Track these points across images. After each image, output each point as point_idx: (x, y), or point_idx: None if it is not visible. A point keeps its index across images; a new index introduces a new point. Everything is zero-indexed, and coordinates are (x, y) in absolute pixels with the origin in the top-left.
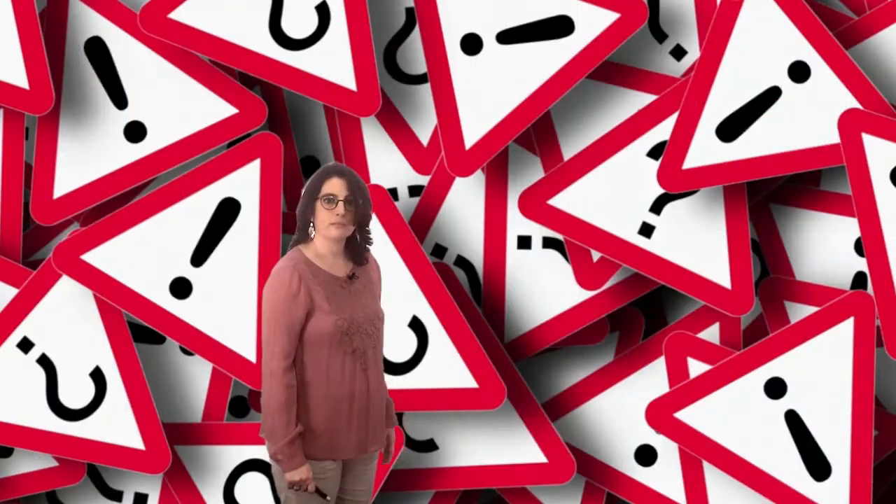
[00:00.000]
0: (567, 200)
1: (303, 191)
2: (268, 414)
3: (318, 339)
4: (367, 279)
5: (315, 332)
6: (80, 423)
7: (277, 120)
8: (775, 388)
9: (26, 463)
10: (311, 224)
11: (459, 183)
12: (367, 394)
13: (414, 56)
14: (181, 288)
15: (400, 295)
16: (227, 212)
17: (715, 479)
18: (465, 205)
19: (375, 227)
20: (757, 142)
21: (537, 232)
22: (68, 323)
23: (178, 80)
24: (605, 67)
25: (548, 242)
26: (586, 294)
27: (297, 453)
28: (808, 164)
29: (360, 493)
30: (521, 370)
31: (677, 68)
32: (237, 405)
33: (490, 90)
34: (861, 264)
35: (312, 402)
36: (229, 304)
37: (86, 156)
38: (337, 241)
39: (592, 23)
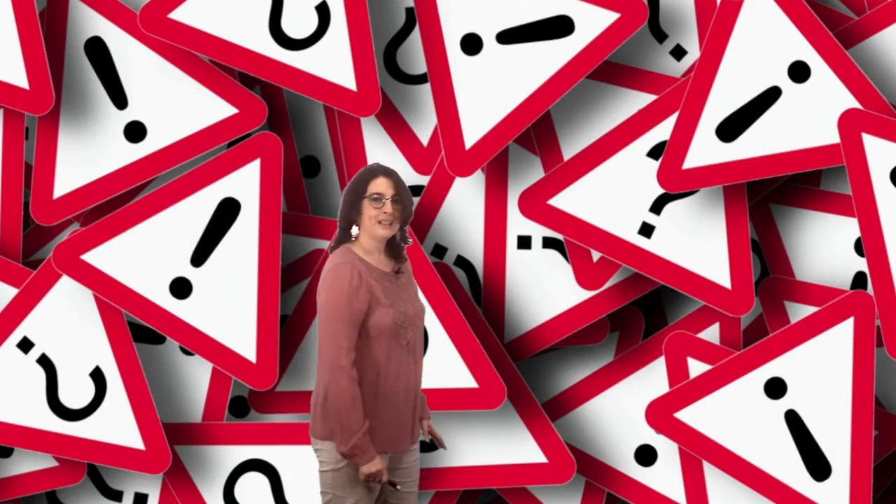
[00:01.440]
0: (567, 200)
1: (344, 191)
2: (335, 412)
3: (379, 334)
4: (407, 274)
5: (376, 327)
6: (80, 423)
7: (277, 120)
8: (775, 388)
9: (26, 463)
10: (356, 223)
11: (459, 183)
12: (416, 386)
13: (414, 56)
14: (181, 288)
15: None
16: (227, 212)
17: (715, 479)
18: (465, 205)
19: None
20: (757, 142)
21: (537, 232)
22: (68, 323)
23: (178, 80)
24: (605, 67)
25: (548, 242)
26: (586, 294)
27: (370, 446)
28: (808, 164)
29: (411, 484)
30: (521, 370)
31: (677, 68)
32: (237, 405)
33: (490, 90)
34: (861, 264)
35: (372, 396)
36: (229, 304)
37: (86, 156)
38: (383, 240)
39: (592, 23)
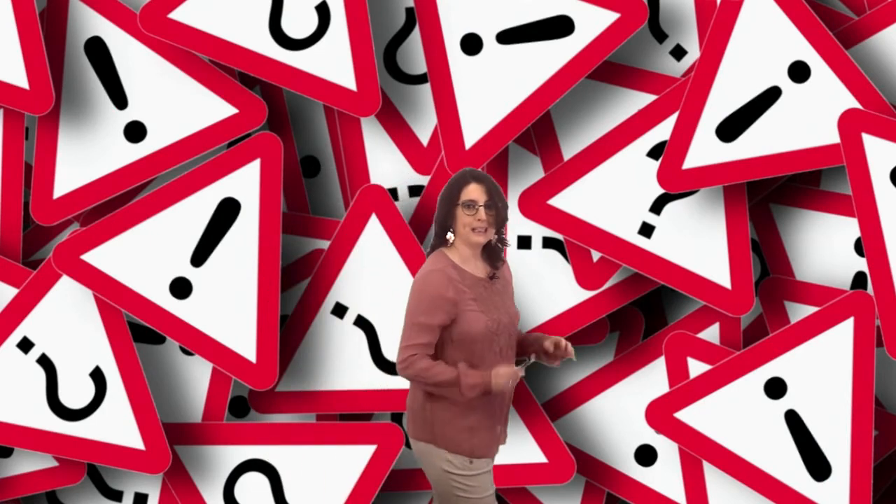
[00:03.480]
0: (567, 200)
1: (438, 197)
2: (435, 389)
3: (472, 341)
4: (503, 280)
5: (468, 333)
6: (80, 423)
7: (277, 120)
8: (775, 388)
9: (26, 463)
10: (451, 230)
11: None
12: (505, 393)
13: (414, 56)
14: (181, 288)
15: (400, 295)
16: (227, 212)
17: (715, 479)
18: None
19: (376, 227)
20: (757, 142)
21: (537, 232)
22: (68, 323)
23: (178, 80)
24: (605, 67)
25: (548, 242)
26: (586, 294)
27: (471, 372)
28: (808, 164)
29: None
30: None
31: (677, 68)
32: (237, 405)
33: (490, 90)
34: (861, 264)
35: (471, 402)
36: (229, 304)
37: (86, 156)
38: (478, 246)
39: (592, 23)
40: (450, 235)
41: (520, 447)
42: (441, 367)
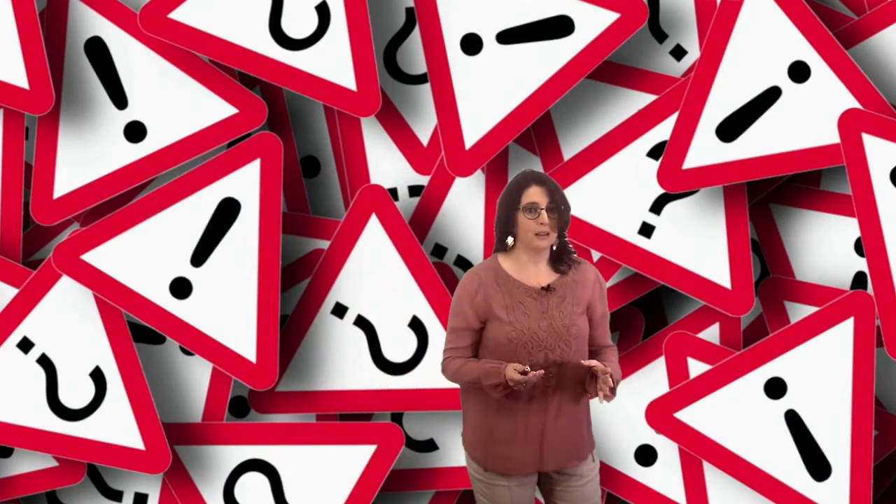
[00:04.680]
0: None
1: (498, 200)
2: (475, 387)
3: (495, 348)
4: (567, 292)
5: (491, 340)
6: (80, 423)
7: (277, 120)
8: (775, 388)
9: (26, 463)
10: (512, 234)
11: (459, 183)
12: (544, 411)
13: (414, 56)
14: (181, 288)
15: (400, 295)
16: (227, 212)
17: (715, 479)
18: (465, 205)
19: (376, 227)
20: (757, 142)
21: None
22: (68, 323)
23: (178, 80)
24: (605, 67)
25: None
26: None
27: (484, 365)
28: (808, 164)
29: None
30: None
31: (677, 68)
32: (237, 405)
33: (490, 90)
34: (861, 264)
35: (490, 409)
36: (229, 304)
37: (86, 156)
38: (541, 251)
39: (592, 23)
40: (510, 240)
41: None
42: (471, 364)
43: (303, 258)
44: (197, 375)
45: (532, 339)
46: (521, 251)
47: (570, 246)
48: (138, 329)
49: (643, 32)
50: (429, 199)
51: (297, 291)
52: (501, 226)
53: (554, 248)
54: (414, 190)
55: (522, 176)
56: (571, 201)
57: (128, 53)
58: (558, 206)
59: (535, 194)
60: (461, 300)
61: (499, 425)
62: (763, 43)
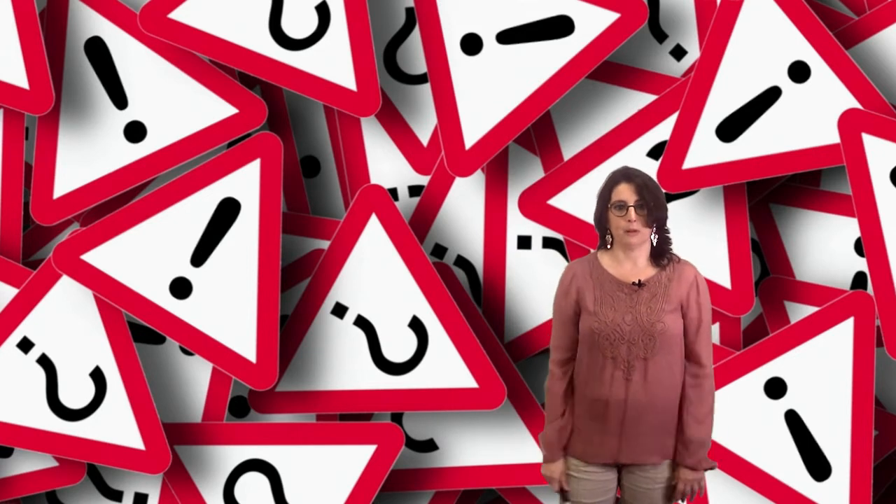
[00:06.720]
0: (567, 200)
1: (595, 198)
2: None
3: (583, 339)
4: (659, 289)
5: (582, 331)
6: (80, 423)
7: (277, 120)
8: (775, 388)
9: (26, 463)
10: (608, 232)
11: (459, 183)
12: (624, 403)
13: (414, 56)
14: (181, 288)
15: (400, 295)
16: (227, 212)
17: (715, 479)
18: (465, 205)
19: (376, 227)
20: (757, 142)
21: (537, 232)
22: (68, 323)
23: (178, 80)
24: (605, 67)
25: (548, 242)
26: None
27: (552, 447)
28: (808, 164)
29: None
30: (521, 370)
31: (677, 68)
32: (237, 405)
33: (490, 90)
34: (861, 264)
35: (576, 398)
36: (229, 304)
37: (86, 156)
38: (634, 247)
39: (592, 23)
40: (608, 237)
41: (520, 447)
42: (553, 403)
43: (303, 258)
44: (197, 375)
45: (615, 331)
46: (618, 247)
47: (669, 239)
48: (138, 329)
49: (643, 32)
50: (429, 199)
51: (297, 291)
52: (597, 223)
53: (653, 242)
54: (414, 190)
55: (613, 173)
56: (571, 201)
57: (128, 53)
58: (647, 203)
59: (623, 192)
60: (557, 292)
61: (586, 414)
62: (763, 43)
